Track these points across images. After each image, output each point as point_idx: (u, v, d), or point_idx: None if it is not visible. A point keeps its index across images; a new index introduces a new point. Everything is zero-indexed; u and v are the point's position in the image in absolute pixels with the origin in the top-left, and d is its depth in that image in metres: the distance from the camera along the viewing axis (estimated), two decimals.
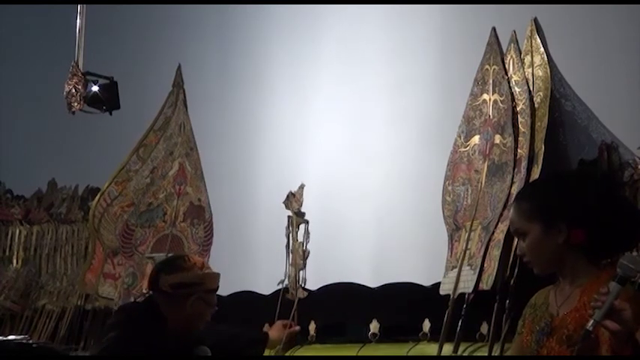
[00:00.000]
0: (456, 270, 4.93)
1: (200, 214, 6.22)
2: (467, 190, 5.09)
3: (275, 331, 5.23)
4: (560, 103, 4.97)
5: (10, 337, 5.61)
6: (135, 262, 6.18)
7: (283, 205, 5.55)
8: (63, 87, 6.18)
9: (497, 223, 4.85)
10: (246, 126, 6.27)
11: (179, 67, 6.48)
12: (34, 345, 5.44)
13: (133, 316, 4.03)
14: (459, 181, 5.14)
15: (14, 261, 7.03)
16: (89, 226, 6.39)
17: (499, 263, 4.75)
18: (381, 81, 5.70)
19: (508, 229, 4.61)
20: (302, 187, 5.52)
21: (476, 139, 5.13)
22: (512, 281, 4.69)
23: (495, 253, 4.79)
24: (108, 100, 6.21)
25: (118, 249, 6.24)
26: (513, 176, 4.87)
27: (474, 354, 4.74)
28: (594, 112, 4.88)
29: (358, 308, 5.43)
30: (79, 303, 6.56)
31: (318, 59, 6.00)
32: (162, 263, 4.23)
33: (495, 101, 5.09)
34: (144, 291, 4.46)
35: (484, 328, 4.78)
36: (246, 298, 5.87)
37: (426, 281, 5.23)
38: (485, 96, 5.14)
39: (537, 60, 5.02)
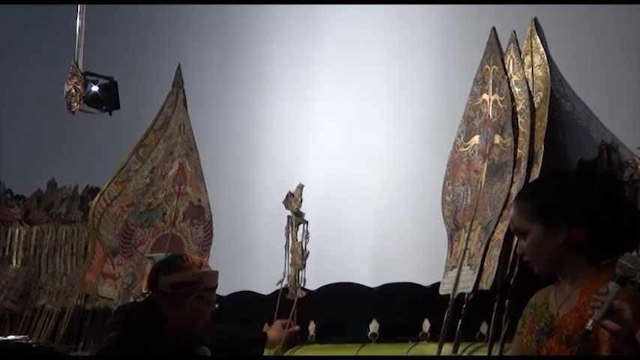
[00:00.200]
0: (456, 270, 4.93)
1: (200, 214, 6.22)
2: (467, 190, 5.09)
3: (274, 330, 5.23)
4: (559, 103, 4.96)
5: (10, 337, 5.60)
6: (134, 262, 6.17)
7: (283, 205, 5.55)
8: (63, 87, 6.17)
9: (497, 223, 4.85)
10: (246, 126, 6.26)
11: (179, 67, 6.47)
12: (33, 345, 5.43)
13: (133, 316, 4.03)
14: (459, 181, 5.13)
15: (14, 261, 7.03)
16: (89, 226, 6.38)
17: (499, 263, 4.75)
18: (381, 81, 5.70)
19: (508, 229, 4.62)
20: (300, 187, 5.52)
21: (476, 139, 5.12)
22: (511, 281, 4.68)
23: (495, 252, 4.79)
24: (108, 100, 6.21)
25: (118, 249, 6.24)
26: (513, 176, 4.86)
27: (474, 354, 4.74)
28: (594, 112, 4.88)
29: (358, 308, 5.43)
30: (78, 303, 6.55)
31: (318, 59, 6.00)
32: (160, 263, 4.23)
33: (495, 101, 5.08)
34: (143, 291, 4.45)
35: (484, 328, 4.78)
36: (246, 297, 5.87)
37: (426, 281, 5.23)
38: (485, 96, 5.14)
39: (537, 60, 5.02)
